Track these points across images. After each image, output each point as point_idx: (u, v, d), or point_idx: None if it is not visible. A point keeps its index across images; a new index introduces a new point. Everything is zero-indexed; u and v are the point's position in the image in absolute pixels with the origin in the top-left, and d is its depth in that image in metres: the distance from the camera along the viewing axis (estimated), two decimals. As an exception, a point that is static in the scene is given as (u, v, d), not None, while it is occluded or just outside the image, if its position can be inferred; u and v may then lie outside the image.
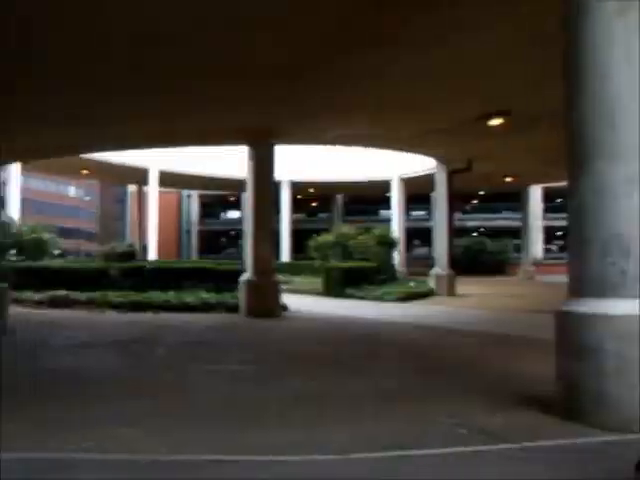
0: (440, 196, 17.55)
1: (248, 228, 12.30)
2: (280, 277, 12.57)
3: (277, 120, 10.76)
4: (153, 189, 27.78)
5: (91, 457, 3.48)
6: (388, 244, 21.21)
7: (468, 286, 17.91)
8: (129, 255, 28.06)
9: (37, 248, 22.86)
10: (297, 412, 4.60)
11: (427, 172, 20.46)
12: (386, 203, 28.79)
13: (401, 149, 15.92)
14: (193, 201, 45.32)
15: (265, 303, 11.31)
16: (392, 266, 21.19)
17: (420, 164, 20.75)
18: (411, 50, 6.97)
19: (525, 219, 29.31)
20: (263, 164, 11.82)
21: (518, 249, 31.71)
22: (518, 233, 31.14)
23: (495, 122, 10.16)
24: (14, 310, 10.34)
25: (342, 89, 8.67)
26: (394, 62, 7.44)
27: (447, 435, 3.96)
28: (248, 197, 12.30)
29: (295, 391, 5.30)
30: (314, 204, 43.02)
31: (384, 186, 26.88)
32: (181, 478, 3.23)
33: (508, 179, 22.06)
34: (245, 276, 11.83)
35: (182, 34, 6.27)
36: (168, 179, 27.90)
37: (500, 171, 19.25)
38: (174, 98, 8.75)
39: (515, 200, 31.18)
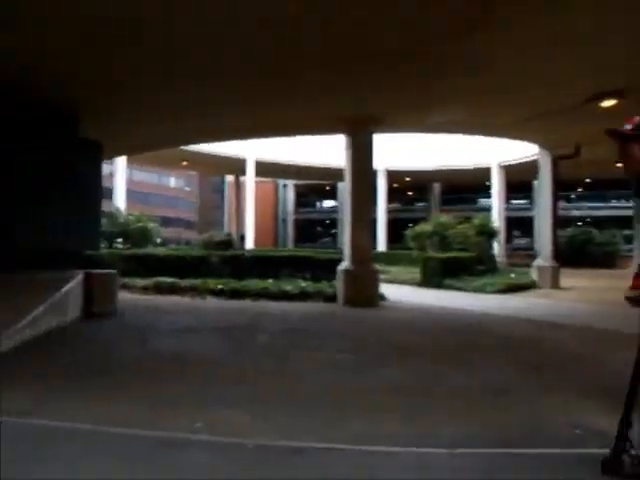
0: (543, 184, 16.73)
1: (346, 217, 12.21)
2: (377, 267, 12.44)
3: (376, 108, 10.59)
4: (250, 179, 28.42)
5: (201, 438, 3.55)
6: (488, 234, 20.58)
7: (573, 279, 17.05)
8: (226, 244, 28.87)
9: (142, 236, 23.96)
10: (398, 402, 4.52)
11: (529, 158, 19.65)
12: (485, 191, 28.00)
13: (501, 135, 15.33)
14: (289, 190, 45.94)
15: (363, 292, 11.22)
16: (492, 257, 20.52)
17: (521, 150, 19.98)
18: (522, 27, 6.59)
19: (638, 208, 27.40)
20: (361, 153, 11.71)
21: (629, 240, 29.73)
22: (628, 223, 29.30)
23: (608, 103, 9.52)
24: (122, 295, 10.86)
25: (443, 76, 8.38)
26: (504, 45, 7.11)
27: (560, 435, 3.74)
28: (346, 186, 12.21)
29: (395, 381, 5.22)
30: (410, 193, 42.50)
31: (483, 174, 26.12)
32: (289, 464, 3.21)
33: (620, 164, 20.71)
34: (343, 265, 11.80)
35: (295, 18, 6.16)
36: (264, 169, 28.44)
37: (611, 157, 18.12)
38: (274, 87, 8.76)
39: (625, 187, 29.29)
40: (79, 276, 9.10)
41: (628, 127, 3.10)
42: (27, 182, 8.61)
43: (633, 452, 2.90)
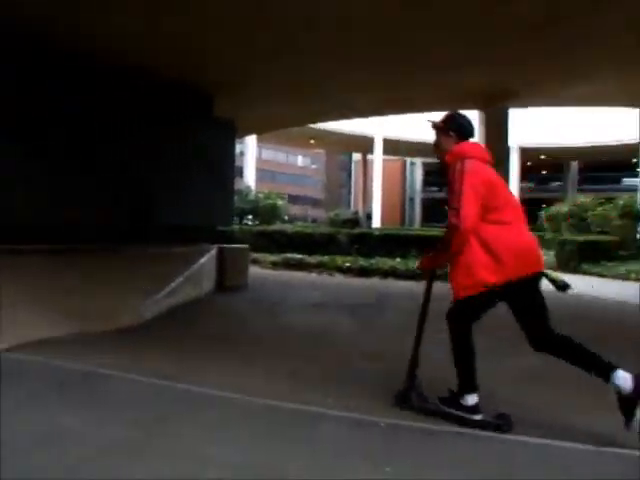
0: None
1: None
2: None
3: (511, 81, 10.00)
4: (377, 157, 28.30)
5: (335, 413, 3.53)
6: (634, 216, 19.03)
7: None
8: (353, 222, 29.04)
9: (271, 213, 24.66)
10: (536, 391, 4.25)
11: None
12: (630, 170, 25.93)
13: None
14: (417, 169, 45.28)
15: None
16: (638, 241, 19.00)
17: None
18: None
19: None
20: (495, 129, 11.19)
21: None
22: None
23: None
24: (252, 270, 11.20)
25: (590, 44, 7.72)
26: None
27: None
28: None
29: (534, 369, 4.91)
30: (544, 172, 40.35)
31: (628, 151, 24.15)
32: (422, 444, 3.10)
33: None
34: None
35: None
36: (392, 147, 28.18)
37: None
38: (403, 61, 8.46)
39: None
40: (213, 250, 9.48)
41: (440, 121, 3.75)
42: (166, 160, 9.07)
43: (420, 390, 3.73)
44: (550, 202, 22.78)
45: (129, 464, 2.71)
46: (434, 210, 45.16)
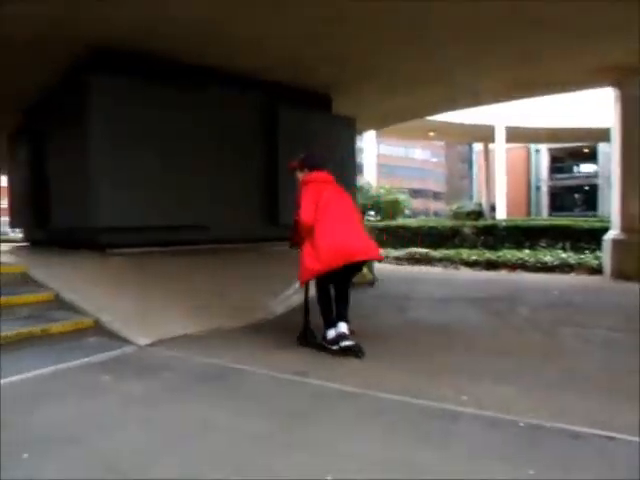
0: None
1: (614, 181, 10.86)
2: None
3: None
4: (500, 146, 27.26)
5: (470, 411, 3.46)
6: None
7: None
8: (476, 214, 28.26)
9: (393, 208, 24.56)
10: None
11: None
12: None
13: None
14: (542, 156, 43.18)
15: (636, 265, 10.03)
16: None
17: None
18: None
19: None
20: (633, 106, 10.35)
21: None
22: None
23: None
24: (377, 265, 11.19)
25: None
26: None
27: None
28: (614, 146, 10.90)
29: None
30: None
31: None
32: (567, 448, 2.96)
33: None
34: (610, 234, 10.63)
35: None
36: (514, 134, 27.03)
37: None
38: (537, 35, 7.89)
39: None
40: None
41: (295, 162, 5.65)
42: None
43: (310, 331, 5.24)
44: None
45: (271, 455, 2.83)
46: (563, 198, 42.96)
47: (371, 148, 28.00)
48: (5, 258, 7.80)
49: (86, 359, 4.68)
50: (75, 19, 6.36)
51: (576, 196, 44.18)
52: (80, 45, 7.14)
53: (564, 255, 11.91)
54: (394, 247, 15.07)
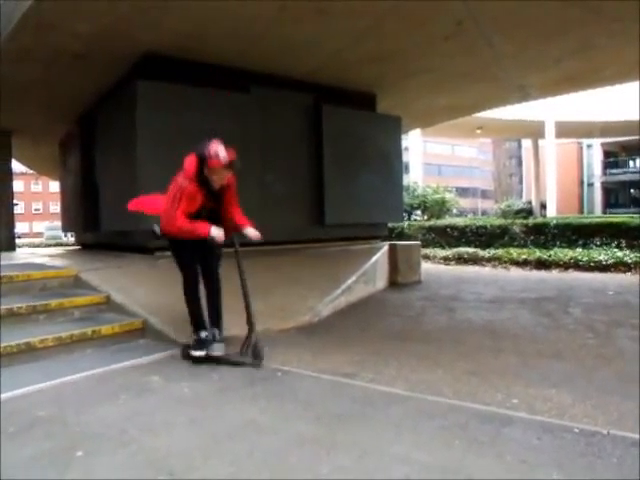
0: None
1: None
2: None
3: None
4: (549, 141, 26.65)
5: (521, 416, 3.36)
6: None
7: None
8: (526, 212, 27.71)
9: (440, 207, 24.31)
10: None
11: None
12: None
13: None
14: (594, 151, 41.95)
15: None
16: None
17: None
18: None
19: None
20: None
21: None
22: None
23: None
24: (424, 265, 11.08)
25: None
26: None
27: None
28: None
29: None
30: None
31: None
32: (625, 455, 2.83)
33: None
34: (668, 232, 10.29)
35: None
36: (564, 129, 26.40)
37: None
38: (590, 21, 7.56)
39: None
40: (385, 247, 9.54)
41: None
42: (339, 162, 9.34)
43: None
44: None
45: (317, 458, 2.80)
46: (618, 194, 41.63)
47: (417, 147, 27.77)
48: (58, 261, 8.01)
49: (136, 360, 4.75)
50: (125, 29, 6.52)
51: (632, 192, 42.73)
52: (128, 53, 7.31)
53: (620, 254, 11.51)
54: (441, 246, 14.88)
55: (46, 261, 8.06)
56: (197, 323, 4.87)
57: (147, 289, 6.24)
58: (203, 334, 4.81)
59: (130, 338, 5.41)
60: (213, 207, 4.77)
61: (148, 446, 3.03)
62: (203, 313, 4.88)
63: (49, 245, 21.70)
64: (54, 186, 37.91)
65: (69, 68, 7.77)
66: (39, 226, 56.80)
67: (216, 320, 4.87)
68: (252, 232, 4.89)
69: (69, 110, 10.25)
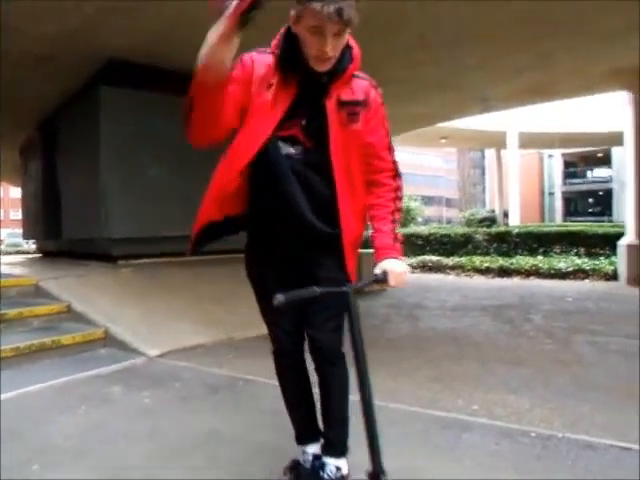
0: None
1: (629, 186, 10.66)
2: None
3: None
4: (512, 152, 27.09)
5: (481, 421, 3.42)
6: None
7: None
8: (489, 220, 28.11)
9: (405, 216, 24.52)
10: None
11: None
12: None
13: None
14: (555, 161, 42.88)
15: (653, 271, 9.88)
16: None
17: None
18: None
19: None
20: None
21: None
22: None
23: None
24: (390, 273, 11.14)
25: None
26: None
27: None
28: (627, 150, 10.77)
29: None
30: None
31: None
32: (577, 458, 2.90)
33: None
34: (625, 239, 10.52)
35: None
36: (527, 140, 26.88)
37: None
38: (553, 37, 7.70)
39: None
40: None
41: None
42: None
43: None
44: None
45: (277, 468, 2.80)
46: (577, 203, 42.59)
47: (383, 156, 27.97)
48: (18, 270, 7.86)
49: (97, 370, 4.69)
50: (91, 32, 6.45)
51: (590, 201, 43.82)
52: (92, 58, 7.22)
53: (578, 261, 11.80)
54: (406, 255, 15.01)
55: (5, 269, 7.89)
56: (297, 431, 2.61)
57: (109, 298, 6.17)
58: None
59: (91, 348, 5.34)
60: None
61: (107, 457, 2.98)
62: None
63: (9, 253, 21.21)
64: (15, 192, 37.14)
65: (31, 71, 7.64)
66: (-1, 233, 55.51)
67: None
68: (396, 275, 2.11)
69: (30, 115, 10.07)
